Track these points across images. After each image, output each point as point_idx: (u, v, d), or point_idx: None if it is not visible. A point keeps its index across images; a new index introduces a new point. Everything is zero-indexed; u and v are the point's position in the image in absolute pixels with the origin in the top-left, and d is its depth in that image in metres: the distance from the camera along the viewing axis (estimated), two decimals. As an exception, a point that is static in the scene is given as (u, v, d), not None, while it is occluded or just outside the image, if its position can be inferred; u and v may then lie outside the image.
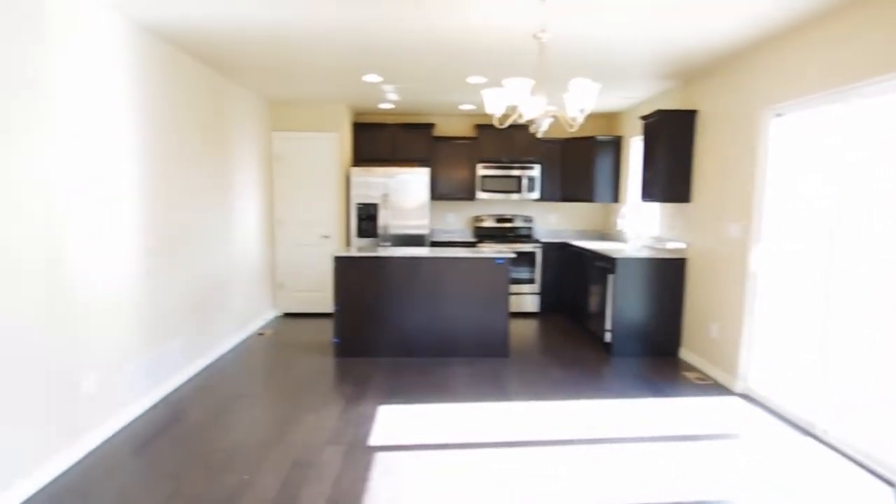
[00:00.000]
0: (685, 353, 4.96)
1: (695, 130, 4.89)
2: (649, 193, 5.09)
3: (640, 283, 4.99)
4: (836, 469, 2.98)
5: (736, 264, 4.14)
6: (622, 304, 5.00)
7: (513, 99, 2.84)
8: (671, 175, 4.91)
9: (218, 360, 4.82)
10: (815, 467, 2.99)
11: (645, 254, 5.06)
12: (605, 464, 3.01)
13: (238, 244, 5.47)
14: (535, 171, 6.92)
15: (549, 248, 6.81)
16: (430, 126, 6.86)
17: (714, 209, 4.51)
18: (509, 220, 7.27)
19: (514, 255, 4.94)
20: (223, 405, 3.81)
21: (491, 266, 4.92)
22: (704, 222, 4.67)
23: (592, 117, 7.17)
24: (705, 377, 4.46)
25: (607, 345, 5.18)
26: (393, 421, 3.56)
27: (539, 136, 3.20)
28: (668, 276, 4.99)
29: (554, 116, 2.97)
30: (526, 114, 2.92)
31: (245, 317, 5.68)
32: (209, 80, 4.73)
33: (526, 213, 7.38)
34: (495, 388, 4.16)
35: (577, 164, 6.87)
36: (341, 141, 6.51)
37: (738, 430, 3.44)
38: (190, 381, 4.28)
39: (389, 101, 6.18)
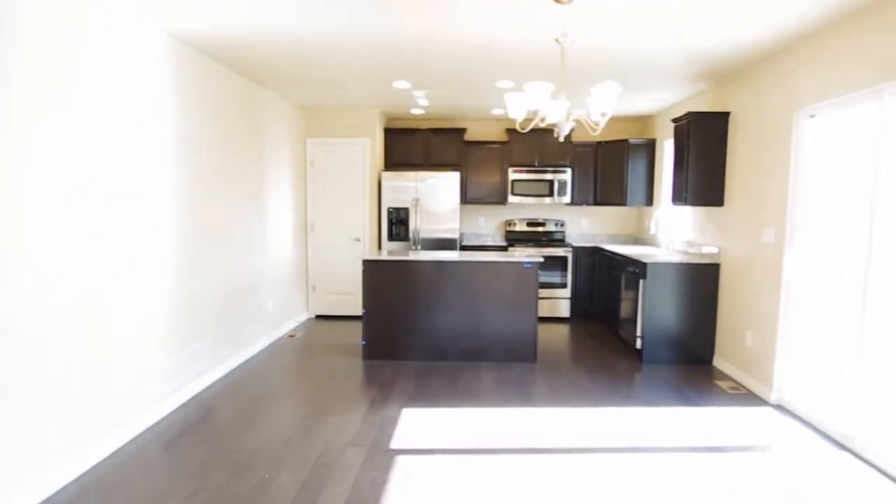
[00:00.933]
0: (719, 362, 4.82)
1: (727, 133, 4.76)
2: (681, 197, 4.97)
3: (672, 289, 4.88)
4: (873, 486, 2.84)
5: (770, 270, 4.00)
6: (654, 310, 4.90)
7: (534, 103, 2.83)
8: (703, 178, 4.79)
9: (249, 360, 4.94)
10: (851, 484, 2.86)
11: (677, 258, 4.95)
12: (630, 474, 2.95)
13: (272, 247, 5.61)
14: (567, 175, 6.85)
15: (580, 252, 6.73)
16: (461, 130, 6.89)
17: (748, 213, 4.37)
18: (541, 224, 7.22)
19: (541, 260, 4.91)
20: (250, 405, 3.91)
21: (519, 270, 4.90)
22: (738, 227, 4.54)
23: (625, 120, 7.06)
24: (738, 386, 4.32)
25: (638, 351, 5.08)
26: (416, 424, 3.58)
27: (564, 140, 3.18)
28: (701, 281, 4.86)
29: (576, 120, 2.94)
30: (547, 117, 2.91)
31: (278, 318, 5.81)
32: (243, 88, 4.88)
33: (558, 216, 7.31)
34: (521, 394, 4.14)
35: (609, 168, 6.77)
36: (373, 146, 6.60)
37: (770, 443, 3.33)
38: (221, 380, 4.41)
39: (420, 106, 6.23)
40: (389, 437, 3.38)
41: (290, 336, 5.89)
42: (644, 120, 7.02)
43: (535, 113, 2.81)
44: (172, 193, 3.75)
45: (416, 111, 6.58)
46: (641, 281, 4.97)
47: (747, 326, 4.34)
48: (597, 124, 2.93)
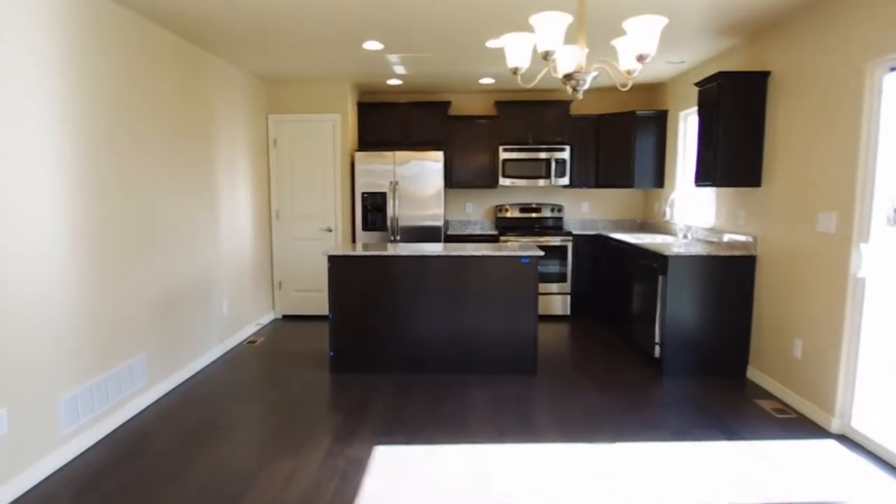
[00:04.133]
0: (755, 374, 4.08)
1: (766, 97, 3.97)
2: (707, 176, 4.19)
3: (698, 286, 4.12)
4: None
5: (830, 265, 3.24)
6: (676, 312, 4.13)
7: (544, 43, 2.01)
8: (735, 153, 4.01)
9: (196, 376, 4.12)
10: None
11: (703, 250, 4.17)
12: (671, 547, 2.19)
13: (226, 240, 4.76)
14: (565, 154, 6.04)
15: (581, 241, 5.95)
16: (444, 104, 6.04)
17: (795, 195, 3.61)
18: (536, 210, 6.41)
19: (541, 253, 4.11)
20: (184, 440, 3.10)
21: (516, 266, 4.11)
22: (781, 212, 3.77)
23: (631, 89, 6.24)
24: (785, 408, 3.58)
25: (656, 361, 4.33)
26: (390, 472, 2.79)
27: (578, 99, 2.37)
28: (733, 277, 4.10)
29: (601, 66, 2.14)
30: (561, 65, 2.09)
31: (236, 322, 4.98)
32: (187, 54, 3.99)
33: (554, 201, 6.51)
34: (520, 422, 3.36)
35: (614, 145, 5.97)
36: (345, 123, 5.74)
37: (842, 494, 2.58)
38: (156, 404, 3.59)
39: (397, 75, 5.37)
40: (355, 491, 2.59)
41: (251, 342, 5.07)
42: (653, 88, 6.21)
43: (547, 56, 2.00)
44: (68, 177, 2.88)
45: (394, 81, 5.71)
46: (661, 277, 4.20)
47: (795, 334, 3.59)
48: (630, 74, 2.12)
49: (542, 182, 6.08)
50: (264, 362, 4.52)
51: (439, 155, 5.72)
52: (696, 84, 4.33)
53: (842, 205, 3.13)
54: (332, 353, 4.23)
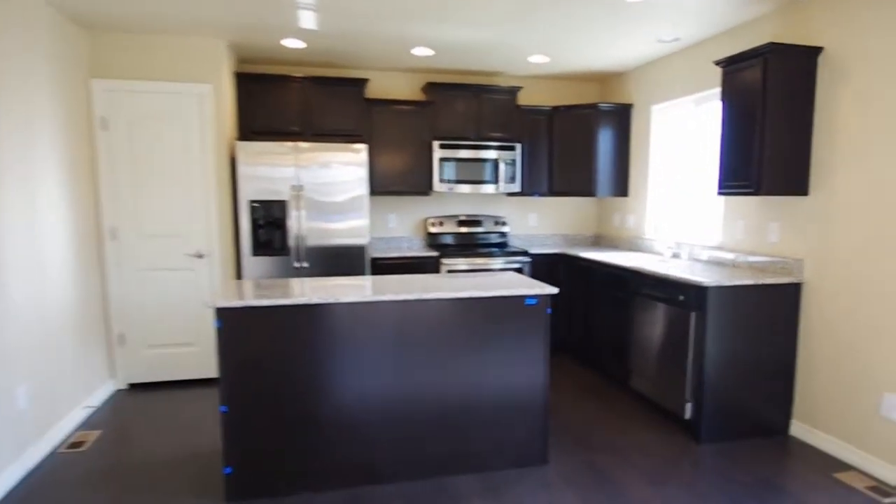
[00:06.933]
0: (802, 431, 3.17)
1: (816, 80, 3.08)
2: (739, 181, 3.20)
3: (741, 325, 3.12)
4: None
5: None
6: (715, 359, 3.09)
7: None
8: (775, 153, 3.06)
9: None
10: None
11: (744, 277, 3.16)
12: None
13: (18, 281, 2.79)
14: (517, 153, 4.83)
15: (541, 262, 4.76)
16: (360, 83, 4.51)
17: (865, 206, 2.76)
18: (478, 223, 5.12)
19: (554, 291, 2.80)
20: None
21: (517, 310, 2.76)
22: (841, 226, 2.91)
23: (582, 79, 5.21)
24: (879, 484, 2.68)
25: (687, 423, 3.24)
26: None
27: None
28: (775, 310, 3.16)
29: None
30: None
31: (43, 416, 3.01)
32: None
33: (497, 212, 5.27)
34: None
35: (571, 144, 4.88)
36: (219, 99, 3.97)
37: None
38: None
39: (300, 31, 3.74)
40: None
41: (73, 446, 3.11)
42: (606, 80, 5.25)
43: None
44: None
45: (292, 43, 4.06)
46: (694, 314, 3.12)
47: (882, 385, 2.69)
48: None
49: (488, 188, 4.80)
50: (99, 491, 2.65)
51: (361, 149, 4.17)
52: (720, 63, 3.32)
53: None
54: (228, 470, 2.53)
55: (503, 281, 2.95)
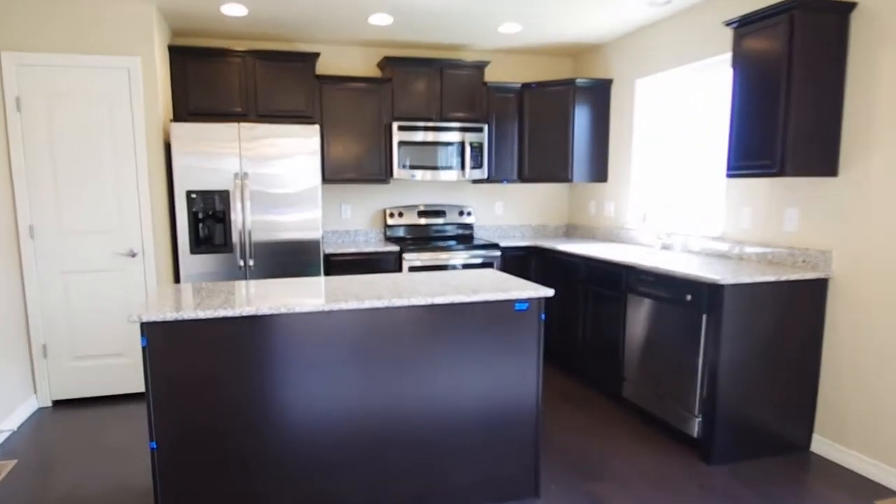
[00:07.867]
0: (826, 447, 2.89)
1: (848, 43, 2.76)
2: (759, 160, 2.83)
3: (758, 328, 2.81)
4: None
5: None
6: (730, 368, 2.80)
7: None
8: (802, 128, 2.76)
9: None
10: None
11: (763, 273, 2.84)
12: None
13: None
14: (483, 135, 4.49)
15: (513, 257, 4.46)
16: (310, 58, 4.07)
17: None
18: (440, 214, 4.77)
19: (549, 293, 2.46)
20: None
21: (504, 317, 2.43)
22: (880, 213, 2.64)
23: (557, 52, 4.87)
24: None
25: (696, 442, 2.93)
26: None
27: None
28: (798, 310, 2.87)
29: None
30: None
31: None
32: None
33: (461, 202, 4.93)
34: None
35: (544, 125, 4.55)
36: (149, 74, 3.49)
37: None
38: None
39: (241, -1, 3.29)
40: None
41: (-21, 480, 2.68)
42: (581, 53, 4.93)
43: None
44: None
45: (232, 9, 3.59)
46: (705, 317, 2.83)
47: None
48: None
49: (452, 175, 4.45)
50: (4, 540, 2.25)
51: (313, 131, 3.76)
52: (735, 23, 2.95)
53: None
54: (156, 513, 2.16)
55: (486, 281, 2.61)
